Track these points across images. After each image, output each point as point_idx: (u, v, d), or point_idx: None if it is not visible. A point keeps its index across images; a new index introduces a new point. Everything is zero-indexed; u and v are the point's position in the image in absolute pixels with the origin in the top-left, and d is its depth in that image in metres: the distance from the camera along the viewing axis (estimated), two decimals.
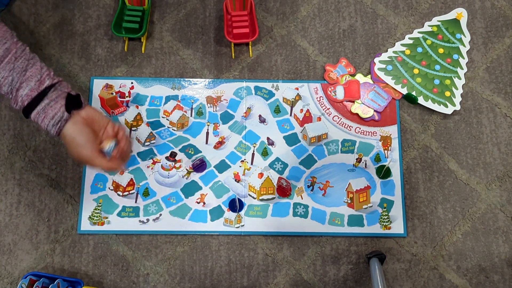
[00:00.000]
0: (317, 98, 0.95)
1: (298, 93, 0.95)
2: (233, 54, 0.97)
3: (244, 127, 0.93)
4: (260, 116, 0.94)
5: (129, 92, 0.94)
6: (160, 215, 0.88)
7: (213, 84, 0.95)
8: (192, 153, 0.91)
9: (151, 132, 0.92)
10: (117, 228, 0.87)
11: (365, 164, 0.91)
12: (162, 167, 0.90)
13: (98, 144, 0.75)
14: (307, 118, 0.94)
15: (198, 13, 0.99)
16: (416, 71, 0.96)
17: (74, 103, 0.73)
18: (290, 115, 0.94)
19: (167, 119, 0.93)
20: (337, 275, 0.86)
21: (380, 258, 0.83)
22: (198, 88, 0.95)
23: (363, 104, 0.94)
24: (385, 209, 0.89)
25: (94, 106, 0.91)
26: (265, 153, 0.92)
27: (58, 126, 0.71)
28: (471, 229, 0.89)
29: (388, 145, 0.92)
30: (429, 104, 0.94)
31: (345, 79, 0.96)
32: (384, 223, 0.88)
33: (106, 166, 0.74)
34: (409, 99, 0.95)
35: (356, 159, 0.92)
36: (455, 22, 0.99)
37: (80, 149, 0.72)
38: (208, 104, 0.94)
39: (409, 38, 0.98)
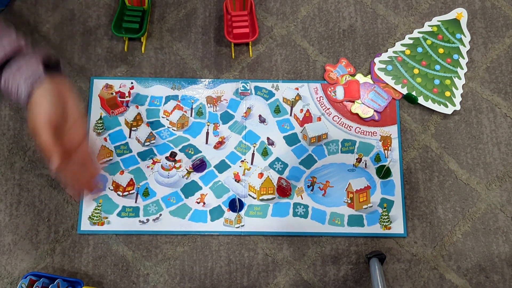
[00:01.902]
0: (317, 98, 0.95)
1: (298, 93, 0.95)
2: (233, 54, 0.97)
3: (244, 127, 0.93)
4: (260, 116, 0.94)
5: (129, 92, 0.94)
6: (160, 215, 0.88)
7: (213, 84, 0.95)
8: (192, 153, 0.91)
9: (151, 132, 0.92)
10: (117, 228, 0.87)
11: (365, 164, 0.91)
12: (162, 167, 0.90)
13: (56, 131, 0.62)
14: (307, 118, 0.94)
15: (198, 13, 0.99)
16: (416, 71, 0.96)
17: (52, 66, 0.65)
18: (290, 115, 0.94)
19: (167, 119, 0.93)
20: (337, 275, 0.86)
21: (380, 258, 0.83)
22: (198, 88, 0.95)
23: (363, 104, 0.94)
24: (385, 209, 0.89)
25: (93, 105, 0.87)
26: (265, 153, 0.92)
27: (30, 86, 0.62)
28: (471, 229, 0.89)
29: (388, 145, 0.92)
30: (429, 104, 0.94)
31: (345, 79, 0.96)
32: (384, 223, 0.88)
33: (53, 151, 0.61)
34: (409, 99, 0.95)
35: (356, 159, 0.92)
36: (455, 22, 0.99)
37: (38, 115, 0.61)
38: (208, 104, 0.94)
39: (409, 38, 0.98)
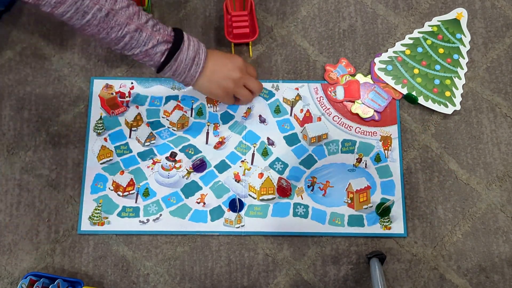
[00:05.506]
0: (317, 98, 0.95)
1: (298, 93, 0.95)
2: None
3: (244, 127, 0.93)
4: (260, 116, 0.94)
5: (129, 92, 0.94)
6: (160, 215, 0.88)
7: None
8: (192, 153, 0.91)
9: (151, 132, 0.92)
10: (117, 228, 0.87)
11: (365, 164, 0.91)
12: (162, 167, 0.90)
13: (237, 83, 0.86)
14: (307, 118, 0.94)
15: (198, 13, 0.99)
16: (416, 71, 0.96)
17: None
18: (290, 115, 0.94)
19: (167, 119, 0.93)
20: (337, 275, 0.86)
21: (380, 258, 0.83)
22: None
23: (363, 104, 0.94)
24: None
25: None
26: (265, 153, 0.92)
27: (203, 57, 0.80)
28: (471, 229, 0.89)
29: (388, 145, 0.92)
30: (429, 104, 0.94)
31: (345, 79, 0.96)
32: (384, 223, 0.88)
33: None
34: (409, 99, 0.95)
35: (356, 159, 0.92)
36: (455, 22, 0.99)
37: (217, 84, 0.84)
38: (208, 104, 0.94)
39: (409, 38, 0.98)
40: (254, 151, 0.92)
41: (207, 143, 0.92)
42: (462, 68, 0.96)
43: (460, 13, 1.00)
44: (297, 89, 0.95)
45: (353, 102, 0.94)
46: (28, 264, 0.86)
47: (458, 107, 0.94)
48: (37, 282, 0.78)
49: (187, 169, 0.91)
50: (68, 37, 0.97)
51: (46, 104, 0.93)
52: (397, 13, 1.00)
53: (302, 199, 0.90)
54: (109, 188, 0.89)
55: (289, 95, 0.95)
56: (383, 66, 0.96)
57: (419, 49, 0.97)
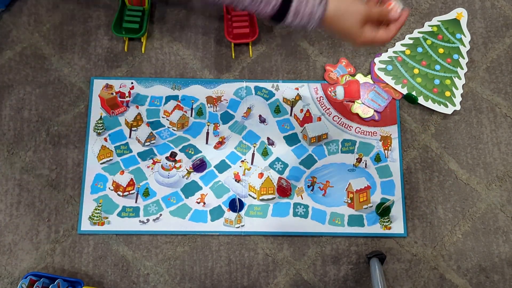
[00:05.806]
0: (317, 98, 0.95)
1: (298, 93, 0.95)
2: (233, 54, 0.97)
3: (244, 127, 0.93)
4: (260, 116, 0.94)
5: (129, 92, 0.94)
6: (160, 215, 0.88)
7: (213, 84, 0.95)
8: (192, 153, 0.91)
9: (151, 132, 0.92)
10: (117, 228, 0.87)
11: (365, 164, 0.92)
12: (162, 167, 0.90)
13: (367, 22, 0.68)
14: (307, 118, 0.94)
15: (198, 13, 0.99)
16: (416, 71, 0.96)
17: None
18: (290, 115, 0.94)
19: (167, 119, 0.93)
20: (337, 275, 0.86)
21: (380, 258, 0.83)
22: (198, 88, 0.95)
23: (363, 104, 0.94)
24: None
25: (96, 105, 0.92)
26: (265, 153, 0.92)
27: (323, 5, 0.66)
28: (471, 229, 0.89)
29: (388, 145, 0.92)
30: (429, 104, 0.94)
31: (345, 79, 0.96)
32: (384, 223, 0.88)
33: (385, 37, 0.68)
34: (409, 99, 0.95)
35: (356, 159, 0.92)
36: (455, 22, 0.99)
37: (347, 22, 0.67)
38: (208, 104, 0.94)
39: (409, 38, 0.98)
40: (254, 151, 0.92)
41: (207, 143, 0.92)
42: (462, 68, 0.96)
43: (460, 13, 1.00)
44: (297, 89, 0.95)
45: (353, 102, 0.94)
46: (28, 264, 0.86)
47: (458, 107, 0.94)
48: (37, 282, 0.78)
49: (187, 169, 0.91)
50: (68, 37, 0.97)
51: (46, 104, 0.93)
52: None
53: (302, 199, 0.90)
54: (109, 188, 0.89)
55: (289, 95, 0.95)
56: (383, 66, 0.96)
57: (419, 49, 0.97)
